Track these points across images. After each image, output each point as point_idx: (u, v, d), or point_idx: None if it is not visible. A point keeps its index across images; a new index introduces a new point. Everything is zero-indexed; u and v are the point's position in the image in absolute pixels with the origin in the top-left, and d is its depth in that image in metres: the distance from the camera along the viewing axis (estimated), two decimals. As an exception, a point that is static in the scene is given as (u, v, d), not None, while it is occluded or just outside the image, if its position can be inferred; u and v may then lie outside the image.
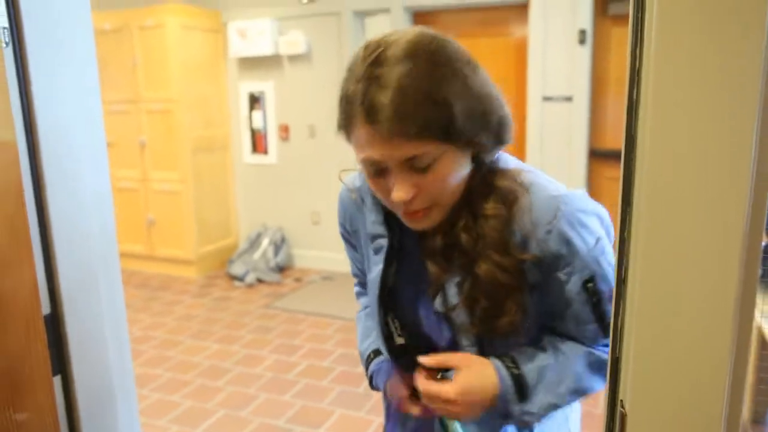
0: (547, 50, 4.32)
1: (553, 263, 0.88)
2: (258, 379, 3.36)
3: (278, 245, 5.29)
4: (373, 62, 0.80)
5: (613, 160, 4.23)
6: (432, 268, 0.92)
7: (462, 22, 4.70)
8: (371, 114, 0.79)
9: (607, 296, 0.89)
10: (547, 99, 4.38)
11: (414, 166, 0.82)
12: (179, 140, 5.09)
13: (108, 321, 1.24)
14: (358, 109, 0.80)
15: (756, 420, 2.78)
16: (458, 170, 0.86)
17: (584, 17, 4.16)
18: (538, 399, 0.91)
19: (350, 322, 4.11)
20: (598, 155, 4.38)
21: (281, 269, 5.27)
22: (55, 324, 1.11)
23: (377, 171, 0.86)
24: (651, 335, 0.57)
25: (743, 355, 0.56)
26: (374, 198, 0.97)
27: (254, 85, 5.34)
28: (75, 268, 1.15)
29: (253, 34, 5.07)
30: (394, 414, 1.14)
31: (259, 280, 5.04)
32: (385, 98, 0.77)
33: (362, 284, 1.21)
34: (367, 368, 1.11)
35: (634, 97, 0.55)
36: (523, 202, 0.88)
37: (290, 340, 3.88)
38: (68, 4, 1.12)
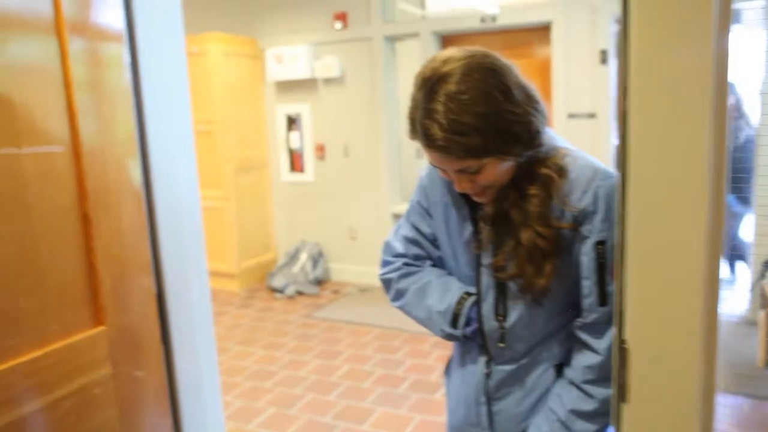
0: (569, 70, 4.53)
1: (582, 219, 1.09)
2: (303, 381, 3.58)
3: (316, 259, 5.53)
4: (428, 92, 1.04)
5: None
6: (483, 231, 1.17)
7: (488, 44, 4.87)
8: (428, 141, 1.06)
9: (609, 266, 1.08)
10: (571, 116, 4.58)
11: (465, 172, 1.09)
12: (221, 160, 5.39)
13: (197, 303, 1.47)
14: (420, 135, 1.07)
15: (768, 364, 3.02)
16: (501, 169, 1.09)
17: (604, 38, 4.36)
18: None
19: (389, 330, 4.31)
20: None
21: (319, 282, 5.51)
22: (161, 301, 1.35)
23: (442, 169, 1.13)
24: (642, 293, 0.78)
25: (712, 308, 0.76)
26: None
27: (291, 107, 5.63)
28: (174, 259, 1.39)
29: (290, 59, 5.37)
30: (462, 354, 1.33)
31: (299, 293, 5.28)
32: (436, 132, 1.03)
33: (416, 257, 1.33)
34: (458, 311, 1.24)
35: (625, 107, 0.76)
36: (559, 184, 1.10)
37: (331, 347, 4.10)
38: (171, 38, 1.38)
